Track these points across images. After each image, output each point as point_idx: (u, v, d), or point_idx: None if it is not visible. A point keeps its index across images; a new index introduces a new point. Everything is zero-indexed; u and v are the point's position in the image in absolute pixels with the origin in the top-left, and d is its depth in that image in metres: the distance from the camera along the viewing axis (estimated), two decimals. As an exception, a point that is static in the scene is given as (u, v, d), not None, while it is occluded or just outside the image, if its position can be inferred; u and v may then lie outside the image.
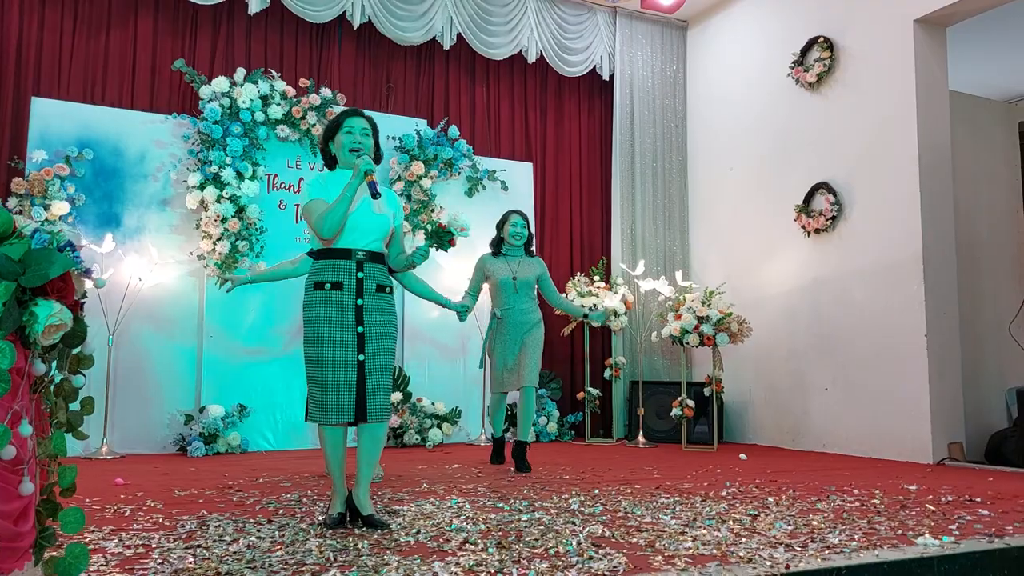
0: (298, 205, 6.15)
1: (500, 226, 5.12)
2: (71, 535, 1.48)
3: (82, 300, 1.48)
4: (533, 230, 5.34)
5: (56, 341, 1.38)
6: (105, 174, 5.72)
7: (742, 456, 5.64)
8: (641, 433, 6.61)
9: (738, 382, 6.86)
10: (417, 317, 6.51)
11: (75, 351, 1.55)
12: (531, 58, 7.15)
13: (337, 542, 2.70)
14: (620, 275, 7.13)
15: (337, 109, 6.23)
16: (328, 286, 3.01)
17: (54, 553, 1.45)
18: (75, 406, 1.62)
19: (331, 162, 3.27)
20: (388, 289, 3.13)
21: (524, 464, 4.79)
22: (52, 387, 1.49)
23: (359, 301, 3.01)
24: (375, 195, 3.01)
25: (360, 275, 3.03)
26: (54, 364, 1.46)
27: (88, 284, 1.54)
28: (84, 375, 1.63)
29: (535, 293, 5.10)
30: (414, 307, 6.50)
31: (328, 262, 3.05)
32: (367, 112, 3.33)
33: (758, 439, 6.69)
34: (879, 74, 5.87)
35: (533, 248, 5.21)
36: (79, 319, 1.42)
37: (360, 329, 3.00)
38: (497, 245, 5.11)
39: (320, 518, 3.14)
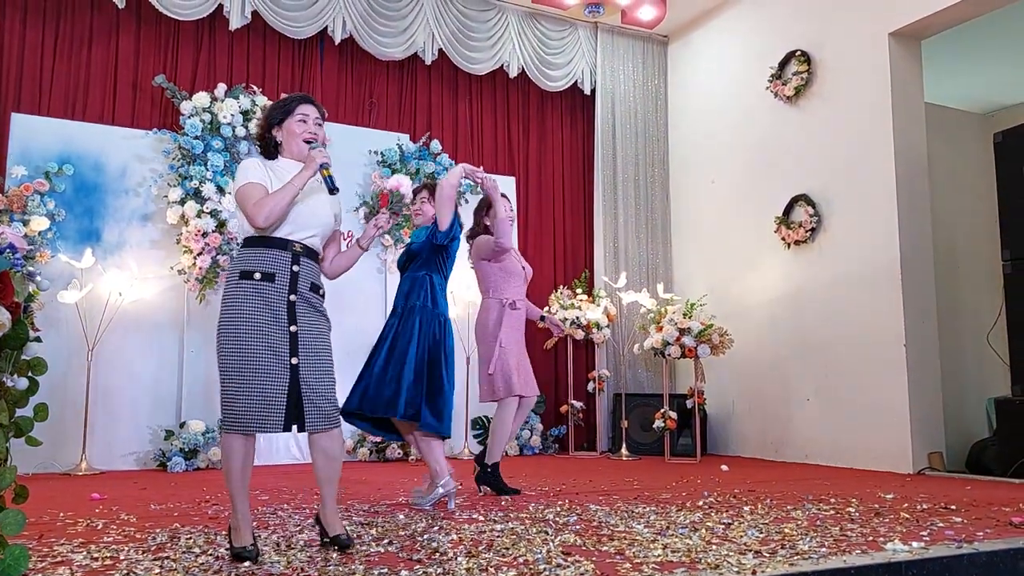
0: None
1: (486, 211, 4.55)
2: (11, 536, 1.47)
3: (26, 303, 1.48)
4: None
5: (-5, 343, 1.39)
6: (86, 189, 5.72)
7: (724, 467, 5.65)
8: (624, 446, 6.61)
9: (721, 394, 6.87)
10: (400, 331, 6.51)
11: (22, 355, 1.54)
12: (513, 73, 7.21)
13: (305, 553, 2.70)
14: (603, 287, 7.15)
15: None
16: (258, 276, 2.67)
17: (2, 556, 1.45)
18: (28, 412, 1.62)
19: (270, 150, 2.90)
20: (321, 291, 2.83)
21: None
22: (-4, 390, 1.50)
23: (292, 296, 2.69)
24: (333, 190, 2.76)
25: (296, 268, 2.72)
26: (-1, 367, 1.46)
27: (31, 287, 1.54)
28: (36, 380, 1.63)
29: None
30: (397, 321, 6.49)
31: (260, 249, 2.71)
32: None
33: (741, 450, 6.69)
34: (855, 87, 5.94)
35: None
36: (20, 321, 1.42)
37: (293, 328, 2.67)
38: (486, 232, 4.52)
39: (238, 546, 2.63)
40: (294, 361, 2.66)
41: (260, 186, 2.73)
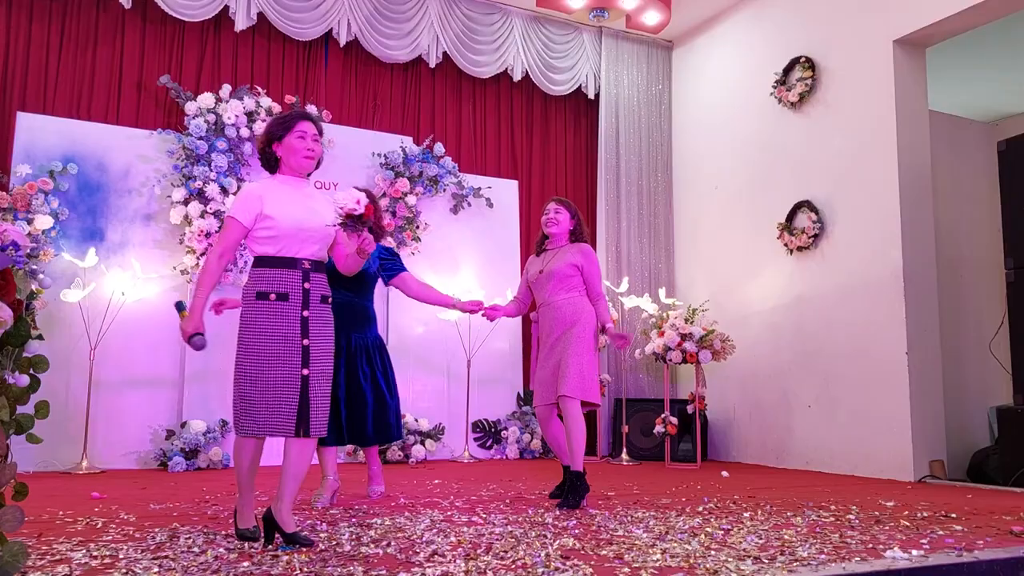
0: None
1: None
2: (10, 533, 1.47)
3: (28, 301, 1.49)
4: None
5: (-3, 339, 1.39)
6: (89, 189, 5.73)
7: (724, 473, 5.64)
8: (625, 450, 6.60)
9: (723, 400, 6.86)
10: (401, 333, 6.52)
11: (24, 352, 1.54)
12: (517, 76, 7.22)
13: (305, 555, 2.69)
14: (604, 292, 7.13)
15: (323, 126, 6.27)
16: (273, 296, 2.86)
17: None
18: (29, 409, 1.62)
19: (271, 164, 3.06)
20: (330, 300, 3.04)
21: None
22: (-3, 387, 1.50)
23: (305, 312, 2.88)
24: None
25: (307, 286, 2.90)
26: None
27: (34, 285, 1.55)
28: (38, 377, 1.63)
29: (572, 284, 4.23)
30: (399, 322, 6.51)
31: (272, 270, 2.89)
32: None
33: (742, 457, 6.68)
34: (860, 94, 5.94)
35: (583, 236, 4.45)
36: (21, 318, 1.42)
37: (305, 342, 2.87)
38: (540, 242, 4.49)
39: (242, 527, 3.02)
40: (305, 372, 2.86)
41: (241, 225, 2.90)
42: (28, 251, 4.98)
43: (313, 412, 2.87)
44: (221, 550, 2.74)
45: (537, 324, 4.35)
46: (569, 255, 4.27)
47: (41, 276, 1.59)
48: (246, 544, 2.88)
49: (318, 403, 2.88)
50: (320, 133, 3.09)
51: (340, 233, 3.07)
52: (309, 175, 3.10)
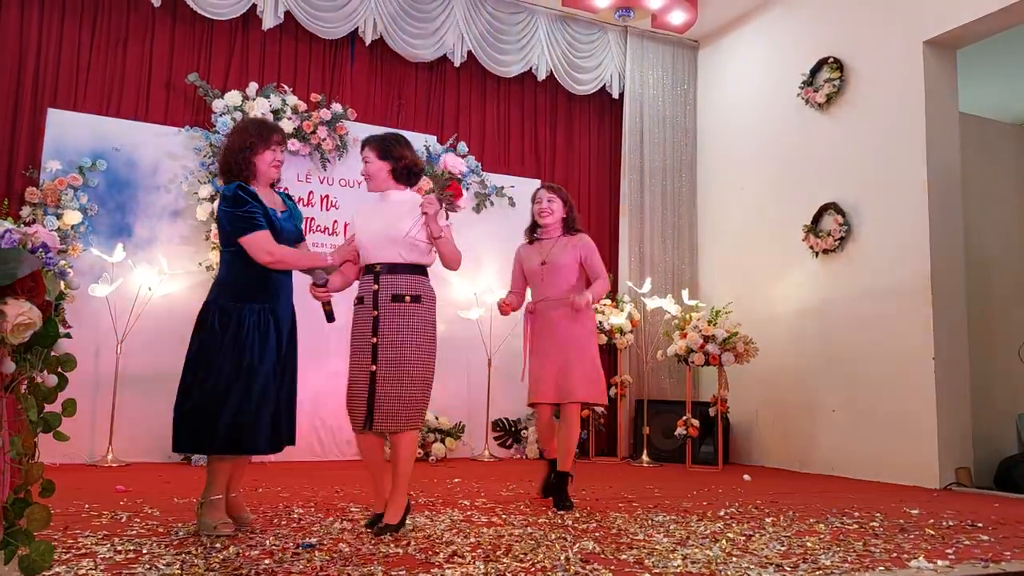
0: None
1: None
2: (37, 532, 1.49)
3: (56, 301, 1.51)
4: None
5: (27, 340, 1.40)
6: (118, 185, 5.80)
7: (746, 477, 5.59)
8: (646, 452, 6.57)
9: (745, 403, 6.81)
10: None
11: (52, 352, 1.56)
12: (541, 76, 7.21)
13: (326, 554, 2.71)
14: (627, 292, 7.12)
15: (348, 124, 6.32)
16: (356, 300, 3.29)
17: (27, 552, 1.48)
18: (55, 407, 1.64)
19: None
20: (406, 298, 3.21)
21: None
22: (27, 386, 1.52)
23: (375, 313, 3.19)
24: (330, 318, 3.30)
25: (376, 287, 3.22)
26: (28, 363, 1.48)
27: (62, 286, 1.57)
28: (65, 376, 1.65)
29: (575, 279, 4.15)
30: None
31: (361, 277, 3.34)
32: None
33: (765, 461, 6.63)
34: (889, 95, 5.86)
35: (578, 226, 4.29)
36: (51, 319, 1.44)
37: (374, 340, 3.16)
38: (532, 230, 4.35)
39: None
40: (373, 368, 3.15)
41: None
42: (57, 250, 5.05)
43: (378, 405, 3.11)
44: (243, 547, 2.76)
45: (534, 316, 4.18)
46: (571, 249, 4.15)
47: (70, 276, 1.61)
48: (268, 540, 2.89)
49: (383, 399, 3.11)
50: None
51: (447, 232, 3.30)
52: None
